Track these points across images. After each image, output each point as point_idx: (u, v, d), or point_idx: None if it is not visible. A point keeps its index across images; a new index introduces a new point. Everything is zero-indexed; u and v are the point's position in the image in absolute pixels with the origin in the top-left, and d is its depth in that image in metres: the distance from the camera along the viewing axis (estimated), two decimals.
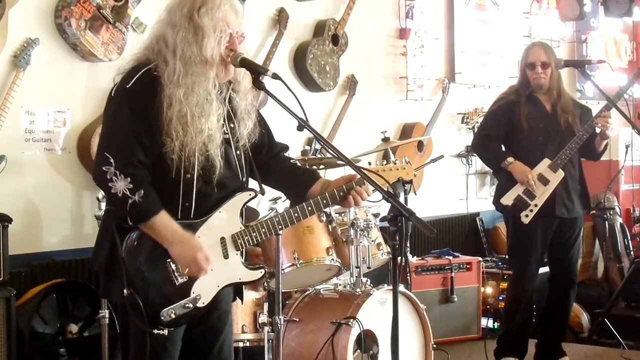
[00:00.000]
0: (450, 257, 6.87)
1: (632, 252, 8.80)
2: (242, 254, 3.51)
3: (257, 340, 4.63)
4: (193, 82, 3.30)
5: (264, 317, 4.59)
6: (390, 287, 4.80)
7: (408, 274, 5.97)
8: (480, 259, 7.05)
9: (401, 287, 4.87)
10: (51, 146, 5.46)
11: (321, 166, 4.56)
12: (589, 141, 5.78)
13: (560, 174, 5.69)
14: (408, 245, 5.98)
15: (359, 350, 4.60)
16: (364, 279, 4.82)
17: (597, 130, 5.74)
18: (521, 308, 5.92)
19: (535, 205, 5.71)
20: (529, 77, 5.84)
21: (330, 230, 4.79)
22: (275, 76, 3.38)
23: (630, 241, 8.93)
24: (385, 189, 3.25)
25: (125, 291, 3.25)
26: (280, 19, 6.82)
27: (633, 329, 7.28)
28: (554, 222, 5.81)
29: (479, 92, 8.66)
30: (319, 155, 6.83)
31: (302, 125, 3.33)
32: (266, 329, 4.54)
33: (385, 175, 3.58)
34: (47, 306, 5.15)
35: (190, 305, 3.36)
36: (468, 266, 6.85)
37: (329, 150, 3.33)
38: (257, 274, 3.54)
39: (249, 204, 3.60)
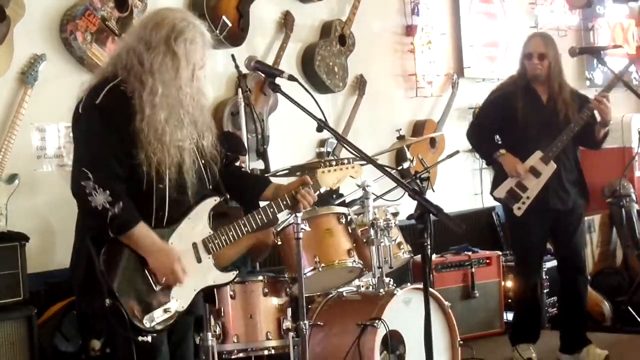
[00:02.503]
0: (470, 253, 6.83)
1: None
2: (213, 258, 3.65)
3: (282, 347, 4.56)
4: (171, 104, 3.45)
5: (288, 323, 4.52)
6: (414, 286, 4.75)
7: (431, 272, 5.89)
8: (499, 253, 7.00)
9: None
10: (63, 162, 5.43)
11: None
12: (588, 130, 5.76)
13: (553, 166, 5.69)
14: (429, 243, 5.89)
15: (385, 352, 4.54)
16: (387, 279, 4.76)
17: (597, 116, 5.72)
18: (527, 298, 5.97)
19: (528, 198, 5.73)
20: (526, 67, 5.85)
21: (350, 231, 4.73)
22: (291, 78, 3.44)
23: None
24: (414, 188, 3.18)
25: (107, 301, 3.31)
26: (286, 22, 6.79)
27: None
28: (549, 214, 5.81)
29: (489, 86, 8.48)
30: (332, 157, 6.80)
31: (322, 126, 3.29)
32: (291, 334, 4.47)
33: (337, 174, 3.98)
34: (68, 323, 5.10)
35: (171, 309, 3.47)
36: (488, 261, 6.80)
37: (349, 149, 3.28)
38: (230, 276, 3.72)
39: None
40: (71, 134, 3.61)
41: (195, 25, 3.56)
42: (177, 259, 3.48)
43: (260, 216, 3.79)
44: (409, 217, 4.78)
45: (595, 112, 5.71)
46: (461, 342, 4.88)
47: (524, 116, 5.77)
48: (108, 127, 3.39)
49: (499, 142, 5.93)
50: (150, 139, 3.39)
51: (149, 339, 3.43)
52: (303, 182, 3.93)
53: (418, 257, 5.91)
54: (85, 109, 3.45)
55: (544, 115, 5.80)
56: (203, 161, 3.66)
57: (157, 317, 3.45)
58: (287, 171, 4.79)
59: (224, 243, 3.68)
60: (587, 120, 5.69)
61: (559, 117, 5.75)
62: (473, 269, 6.74)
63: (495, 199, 5.93)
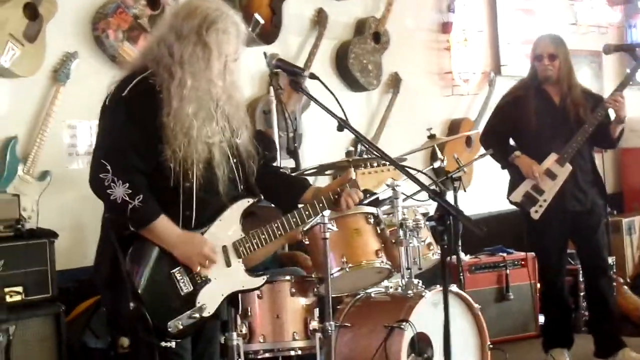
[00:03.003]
0: (504, 254, 6.73)
1: None
2: (243, 262, 3.54)
3: (309, 348, 4.52)
4: (198, 97, 3.33)
5: (315, 324, 4.48)
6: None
7: (461, 273, 5.83)
8: (534, 254, 6.88)
9: (454, 287, 4.74)
10: None
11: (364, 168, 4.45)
12: (603, 129, 5.71)
13: (568, 167, 5.64)
14: (460, 243, 5.85)
15: (413, 354, 4.49)
16: (416, 281, 4.70)
17: (611, 113, 5.69)
18: (553, 301, 5.92)
19: (545, 201, 5.69)
20: (537, 69, 5.81)
21: (379, 232, 4.67)
22: (312, 76, 3.40)
23: None
24: (434, 189, 3.13)
25: (131, 305, 3.24)
26: (320, 19, 6.76)
27: None
28: (567, 215, 5.76)
29: None
30: (365, 156, 6.76)
31: (343, 125, 3.25)
32: (318, 335, 4.43)
33: (377, 176, 3.89)
34: (98, 320, 5.10)
35: (197, 315, 3.38)
36: (522, 262, 6.69)
37: (371, 149, 3.25)
38: (259, 282, 3.61)
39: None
40: None
41: (229, 15, 3.44)
42: (204, 242, 3.40)
43: (295, 219, 3.65)
44: (429, 219, 4.71)
45: (610, 110, 5.67)
46: (491, 346, 4.80)
47: (536, 118, 5.73)
48: (133, 121, 3.30)
49: (513, 146, 5.90)
50: (176, 133, 3.29)
51: (173, 344, 3.35)
52: (344, 181, 3.78)
53: (452, 259, 5.92)
54: (111, 101, 3.38)
55: (557, 116, 5.75)
56: (236, 160, 3.54)
57: (182, 323, 3.35)
58: (315, 170, 4.75)
59: (255, 247, 3.57)
60: (600, 120, 5.65)
61: (570, 118, 5.70)
62: (507, 271, 6.64)
63: (512, 203, 5.88)
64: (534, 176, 5.66)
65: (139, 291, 3.29)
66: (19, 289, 4.56)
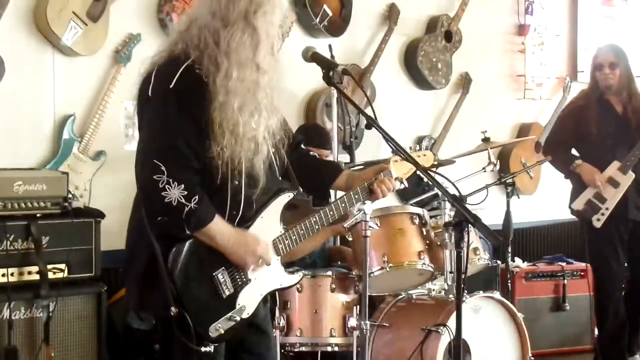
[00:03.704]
0: (563, 264, 6.59)
1: None
2: (282, 259, 3.41)
3: (346, 345, 4.47)
4: (246, 88, 3.11)
5: (353, 321, 4.42)
6: (486, 294, 4.61)
7: (509, 280, 5.71)
8: (592, 264, 6.71)
9: (496, 295, 4.65)
10: None
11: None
12: None
13: (631, 175, 5.65)
14: (509, 250, 5.74)
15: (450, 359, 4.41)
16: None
17: None
18: (610, 315, 5.79)
19: (607, 209, 5.67)
20: (597, 78, 5.83)
21: (424, 233, 4.60)
22: (345, 72, 3.23)
23: None
24: (453, 194, 3.04)
25: (172, 309, 3.06)
26: (391, 14, 6.69)
27: None
28: (627, 225, 5.75)
29: None
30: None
31: (371, 123, 3.15)
32: (355, 333, 4.38)
33: (408, 164, 3.53)
34: None
35: (237, 317, 3.22)
36: (582, 273, 6.53)
37: (398, 149, 3.16)
38: (296, 278, 3.47)
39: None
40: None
41: None
42: (257, 242, 3.22)
43: (332, 212, 3.53)
44: (446, 225, 4.61)
45: None
46: (532, 358, 4.69)
47: (598, 127, 5.74)
48: (183, 115, 3.04)
49: (575, 155, 5.90)
50: (223, 130, 3.07)
51: (212, 349, 3.18)
52: (378, 170, 3.63)
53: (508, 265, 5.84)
54: (156, 92, 3.11)
55: (619, 125, 5.77)
56: (274, 150, 3.32)
57: (223, 327, 3.19)
58: (361, 167, 4.69)
59: (294, 243, 3.42)
60: None
61: (632, 127, 5.71)
62: (565, 281, 6.50)
63: (573, 211, 5.85)
64: (596, 184, 5.65)
65: (184, 295, 3.10)
66: (62, 266, 4.59)
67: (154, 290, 3.14)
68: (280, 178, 3.45)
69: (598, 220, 5.66)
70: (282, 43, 3.32)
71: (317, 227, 3.49)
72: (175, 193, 3.01)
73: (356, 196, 3.58)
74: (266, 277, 3.33)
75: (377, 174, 3.62)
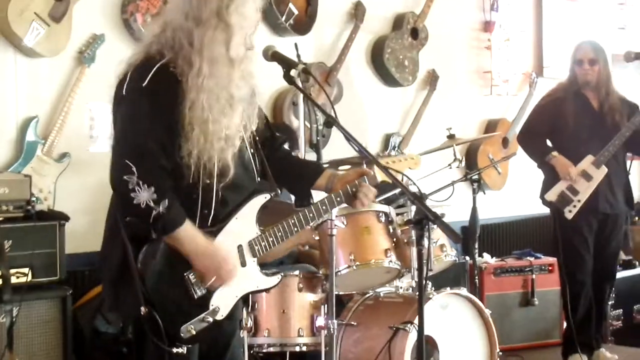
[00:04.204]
0: (532, 259, 6.61)
1: None
2: (257, 260, 3.34)
3: (315, 345, 4.45)
4: (217, 85, 3.10)
5: (321, 320, 4.40)
6: (453, 290, 4.61)
7: (477, 277, 5.73)
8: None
9: (464, 291, 4.66)
10: None
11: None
12: (639, 136, 5.77)
13: (604, 170, 5.74)
14: (476, 246, 5.75)
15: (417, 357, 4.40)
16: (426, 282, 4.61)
17: None
18: (581, 301, 5.87)
19: (579, 201, 5.76)
20: (577, 73, 5.90)
21: (391, 231, 4.59)
22: (305, 71, 3.20)
23: None
24: (414, 192, 3.04)
25: (142, 309, 3.04)
26: (357, 12, 6.69)
27: None
28: (597, 217, 5.85)
29: None
30: (394, 153, 6.67)
31: (331, 122, 3.13)
32: (323, 332, 4.36)
33: (394, 166, 3.48)
34: None
35: (210, 318, 3.18)
36: (550, 268, 6.55)
37: (359, 148, 3.14)
38: (274, 281, 3.39)
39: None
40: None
41: None
42: (222, 261, 3.16)
43: (311, 214, 3.42)
44: (407, 222, 4.62)
45: None
46: (500, 353, 4.70)
47: (574, 120, 5.82)
48: (155, 114, 3.03)
49: (550, 146, 5.96)
50: (194, 128, 3.06)
51: (184, 350, 3.15)
52: (361, 173, 3.51)
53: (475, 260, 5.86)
54: (129, 91, 3.07)
55: (595, 120, 5.85)
56: (253, 150, 3.33)
57: (195, 328, 3.16)
58: (327, 165, 4.66)
59: (271, 245, 3.33)
60: (638, 126, 5.71)
61: (607, 123, 5.80)
62: (534, 276, 6.51)
63: (546, 202, 5.92)
64: (570, 177, 5.74)
65: (154, 294, 3.09)
66: (26, 270, 4.54)
67: (126, 290, 3.11)
68: (258, 179, 3.39)
69: (570, 211, 5.76)
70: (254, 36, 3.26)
71: (295, 229, 3.39)
72: (144, 195, 2.99)
73: (338, 199, 3.46)
74: (242, 279, 3.28)
75: (360, 177, 3.49)
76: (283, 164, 3.55)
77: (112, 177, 3.08)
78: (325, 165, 4.69)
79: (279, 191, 3.42)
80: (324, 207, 3.43)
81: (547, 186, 5.92)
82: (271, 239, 3.33)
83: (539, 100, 6.22)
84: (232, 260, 3.21)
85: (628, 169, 5.98)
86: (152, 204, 2.99)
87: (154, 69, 3.06)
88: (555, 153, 5.82)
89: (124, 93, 3.11)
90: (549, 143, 5.99)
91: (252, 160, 3.34)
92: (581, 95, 5.89)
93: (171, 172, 3.08)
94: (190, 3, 3.13)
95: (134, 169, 2.99)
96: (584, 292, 5.86)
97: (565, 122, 5.82)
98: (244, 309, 4.26)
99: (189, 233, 3.10)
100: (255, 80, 3.29)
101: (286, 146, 3.64)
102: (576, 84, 5.91)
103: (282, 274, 3.48)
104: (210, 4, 3.10)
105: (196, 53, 3.08)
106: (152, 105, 3.04)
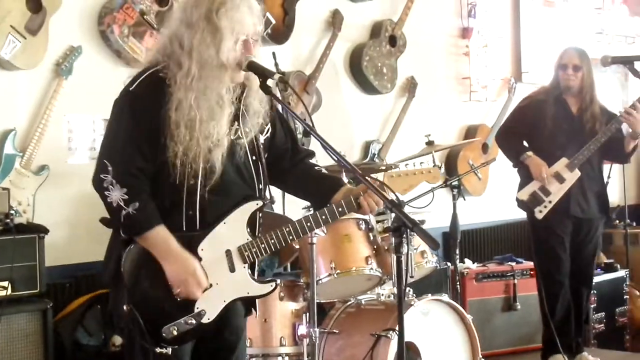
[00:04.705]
0: (513, 264, 6.63)
1: None
2: (251, 267, 3.31)
3: (297, 354, 4.45)
4: (206, 86, 3.15)
5: (303, 329, 4.40)
6: (435, 297, 4.62)
7: (458, 282, 5.74)
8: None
9: (445, 297, 4.67)
10: (95, 155, 5.37)
11: None
12: (616, 143, 5.84)
13: (577, 173, 5.78)
14: (457, 252, 5.76)
15: None
16: (407, 289, 4.62)
17: (627, 129, 5.81)
18: (559, 302, 5.89)
19: (550, 202, 5.81)
20: (560, 78, 5.93)
21: (371, 238, 4.60)
22: (281, 80, 3.21)
23: None
24: (393, 198, 3.04)
25: (124, 307, 3.12)
26: (335, 20, 6.69)
27: None
28: (569, 220, 5.88)
29: None
30: (372, 161, 6.69)
31: (308, 131, 3.13)
32: (305, 341, 4.36)
33: (409, 179, 3.37)
34: (91, 317, 5.08)
35: (193, 321, 3.19)
36: (531, 272, 6.55)
37: (335, 157, 3.13)
38: (267, 288, 3.35)
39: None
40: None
41: None
42: (192, 272, 3.16)
43: (309, 224, 3.35)
44: (386, 230, 4.62)
45: (625, 124, 5.79)
46: (482, 359, 4.71)
47: (552, 123, 5.86)
48: (137, 116, 3.13)
49: (526, 147, 6.00)
50: (180, 128, 3.10)
51: (169, 351, 3.17)
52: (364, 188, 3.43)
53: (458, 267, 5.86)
54: (119, 96, 3.22)
55: (573, 125, 5.89)
56: (255, 157, 3.33)
57: (178, 329, 3.16)
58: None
59: (264, 252, 3.29)
60: (614, 133, 5.76)
61: (585, 129, 5.82)
62: (515, 280, 6.54)
63: (518, 201, 5.96)
64: (541, 177, 5.78)
65: (135, 293, 3.14)
66: (5, 283, 4.51)
67: (118, 290, 3.20)
68: (259, 187, 3.37)
69: (540, 212, 5.80)
70: (257, 40, 3.29)
71: (290, 237, 3.34)
72: (116, 195, 3.08)
73: (339, 209, 3.37)
74: (230, 284, 3.27)
75: (367, 189, 3.38)
76: (303, 177, 3.56)
77: (93, 174, 3.17)
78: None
79: (273, 200, 3.41)
80: (323, 217, 3.37)
81: (522, 187, 5.96)
82: (263, 245, 3.30)
83: (520, 101, 6.26)
84: (201, 277, 3.20)
85: (608, 175, 6.02)
86: (122, 203, 3.08)
87: (144, 75, 3.19)
88: (530, 153, 5.86)
89: (116, 99, 3.24)
90: (526, 144, 6.02)
91: (254, 168, 3.35)
92: (562, 100, 5.93)
93: (158, 172, 3.15)
94: (185, 11, 3.24)
95: (110, 168, 3.09)
96: (562, 293, 5.88)
97: (544, 125, 5.86)
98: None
99: (159, 237, 3.15)
100: (257, 85, 3.27)
101: (312, 160, 3.63)
102: (558, 88, 5.95)
103: (277, 281, 3.44)
104: (200, 8, 3.18)
105: (186, 55, 3.16)
106: (135, 108, 3.15)
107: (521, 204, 5.95)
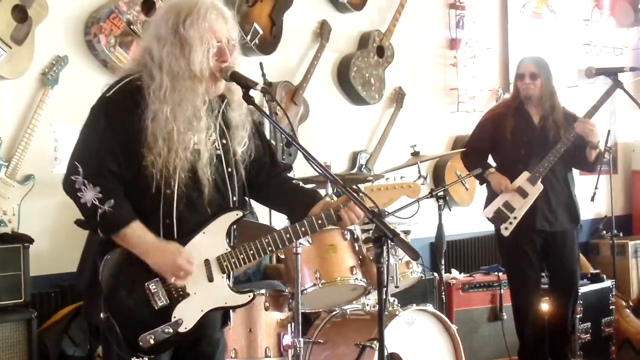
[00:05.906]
0: (499, 274, 6.62)
1: None
2: (228, 277, 3.31)
3: None
4: (181, 98, 3.16)
5: (288, 339, 4.39)
6: (419, 307, 4.62)
7: (444, 292, 5.74)
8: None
9: (430, 307, 4.67)
10: None
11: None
12: (580, 152, 5.77)
13: (540, 186, 5.71)
14: (443, 262, 5.76)
15: None
16: (392, 299, 4.62)
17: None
18: (529, 321, 5.84)
19: (515, 218, 5.74)
20: (519, 88, 5.90)
21: (356, 248, 4.60)
22: (264, 90, 3.20)
23: None
24: (372, 209, 3.04)
25: (102, 315, 3.12)
26: (322, 31, 6.71)
27: None
28: (537, 235, 5.81)
29: None
30: (360, 171, 6.69)
31: (290, 141, 3.13)
32: (290, 352, 4.35)
33: (389, 193, 3.38)
34: (77, 327, 5.06)
35: (170, 330, 3.18)
36: None
37: (317, 168, 3.13)
38: (245, 298, 3.34)
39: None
40: None
41: (205, 2, 3.21)
42: (178, 252, 3.17)
43: (288, 235, 3.34)
44: (366, 240, 4.63)
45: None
46: None
47: (512, 136, 5.82)
48: (113, 122, 3.14)
49: (490, 163, 5.97)
50: (156, 138, 3.12)
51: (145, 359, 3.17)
52: (348, 199, 3.39)
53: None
54: (96, 102, 3.22)
55: (535, 136, 5.83)
56: (231, 169, 3.33)
57: (155, 338, 3.16)
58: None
59: (242, 262, 3.28)
60: (574, 141, 5.69)
61: (549, 139, 5.75)
62: (502, 290, 6.55)
63: (488, 219, 5.90)
64: (501, 192, 5.72)
65: (112, 301, 3.15)
66: None
67: (94, 298, 3.19)
68: (234, 198, 3.38)
69: (506, 228, 5.74)
70: (234, 45, 3.29)
71: (269, 248, 3.34)
72: (90, 195, 3.10)
73: (319, 221, 3.36)
74: (208, 294, 3.27)
75: (347, 202, 3.40)
76: (281, 190, 3.56)
77: (63, 177, 3.20)
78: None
79: (252, 210, 3.41)
80: (302, 229, 3.36)
81: (487, 203, 5.92)
82: (242, 256, 3.29)
83: (481, 117, 6.25)
84: (186, 254, 3.20)
85: (595, 186, 5.96)
86: (97, 202, 3.09)
87: (122, 82, 3.21)
88: (492, 170, 5.82)
89: (93, 105, 3.24)
90: (491, 160, 6.00)
91: (229, 179, 3.35)
92: (523, 111, 5.88)
93: (135, 180, 3.17)
94: (156, 24, 3.28)
95: (80, 169, 3.11)
96: (531, 309, 5.82)
97: (504, 138, 5.83)
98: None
99: (136, 232, 3.16)
100: (240, 95, 3.28)
101: (290, 174, 3.65)
102: (518, 98, 5.90)
103: (254, 292, 3.44)
104: (168, 22, 3.21)
105: (157, 68, 3.19)
106: (111, 113, 3.17)
107: (489, 221, 5.90)
